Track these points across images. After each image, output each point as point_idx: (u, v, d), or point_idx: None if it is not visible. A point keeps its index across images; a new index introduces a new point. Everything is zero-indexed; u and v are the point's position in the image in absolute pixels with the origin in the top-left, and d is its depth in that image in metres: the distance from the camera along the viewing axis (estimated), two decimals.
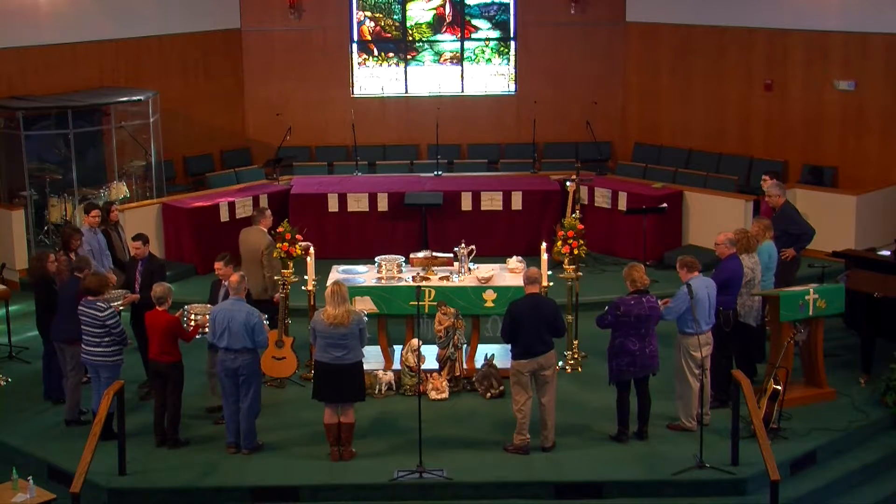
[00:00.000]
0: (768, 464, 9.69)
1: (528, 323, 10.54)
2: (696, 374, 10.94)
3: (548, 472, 10.46)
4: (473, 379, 12.21)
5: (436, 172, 17.82)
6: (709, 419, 10.92)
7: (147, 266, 12.16)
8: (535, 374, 10.65)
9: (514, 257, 12.87)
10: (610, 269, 15.85)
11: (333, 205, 16.56)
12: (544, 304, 10.80)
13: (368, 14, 20.72)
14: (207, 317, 11.04)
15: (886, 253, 13.97)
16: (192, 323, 11.08)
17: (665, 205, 16.08)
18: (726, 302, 11.34)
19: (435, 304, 12.18)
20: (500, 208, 16.53)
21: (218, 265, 11.62)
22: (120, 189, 16.89)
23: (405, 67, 20.80)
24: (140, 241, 12.24)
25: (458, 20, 20.71)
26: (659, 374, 11.04)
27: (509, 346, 10.85)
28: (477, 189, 16.63)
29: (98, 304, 10.92)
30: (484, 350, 12.58)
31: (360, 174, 18.12)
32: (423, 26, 20.77)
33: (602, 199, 16.72)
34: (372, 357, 12.28)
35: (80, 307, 10.99)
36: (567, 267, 12.74)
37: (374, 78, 20.83)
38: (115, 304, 11.44)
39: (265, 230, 12.93)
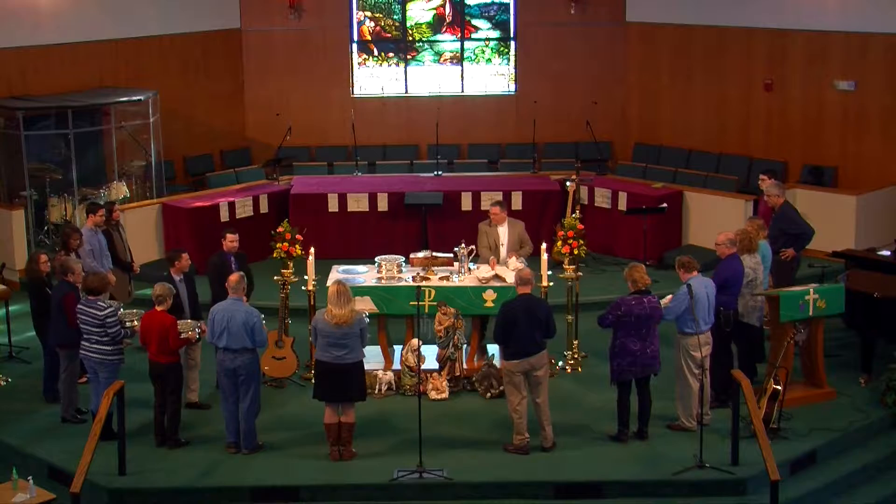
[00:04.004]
0: (768, 464, 9.69)
1: (522, 324, 10.54)
2: (695, 374, 10.94)
3: (548, 472, 10.46)
4: (473, 379, 12.21)
5: (436, 172, 17.81)
6: (709, 419, 10.92)
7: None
8: (528, 374, 10.65)
9: (515, 257, 12.86)
10: (610, 269, 15.85)
11: (333, 205, 16.56)
12: (538, 304, 10.80)
13: (368, 14, 20.71)
14: (192, 332, 11.04)
15: (886, 253, 13.96)
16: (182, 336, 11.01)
17: (665, 205, 16.08)
18: (727, 302, 11.34)
19: (435, 304, 12.18)
20: None
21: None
22: (120, 189, 16.88)
23: (405, 67, 20.80)
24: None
25: (458, 20, 20.71)
26: (659, 374, 11.04)
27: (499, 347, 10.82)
28: (477, 189, 16.63)
29: (98, 303, 10.92)
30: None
31: (360, 174, 18.12)
32: (423, 26, 20.77)
33: (602, 199, 16.72)
34: (372, 357, 12.27)
35: (79, 306, 11.01)
36: (567, 267, 12.74)
37: (374, 78, 20.83)
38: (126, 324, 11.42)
39: (490, 223, 13.05)
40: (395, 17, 20.70)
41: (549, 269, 12.41)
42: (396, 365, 12.34)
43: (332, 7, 20.39)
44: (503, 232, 13.00)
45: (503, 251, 12.85)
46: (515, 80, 20.71)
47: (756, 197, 15.52)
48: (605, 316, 10.87)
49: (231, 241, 12.42)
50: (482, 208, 16.42)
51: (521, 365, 10.59)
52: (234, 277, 10.90)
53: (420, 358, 11.80)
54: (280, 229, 12.68)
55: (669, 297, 11.13)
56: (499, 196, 16.45)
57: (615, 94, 20.39)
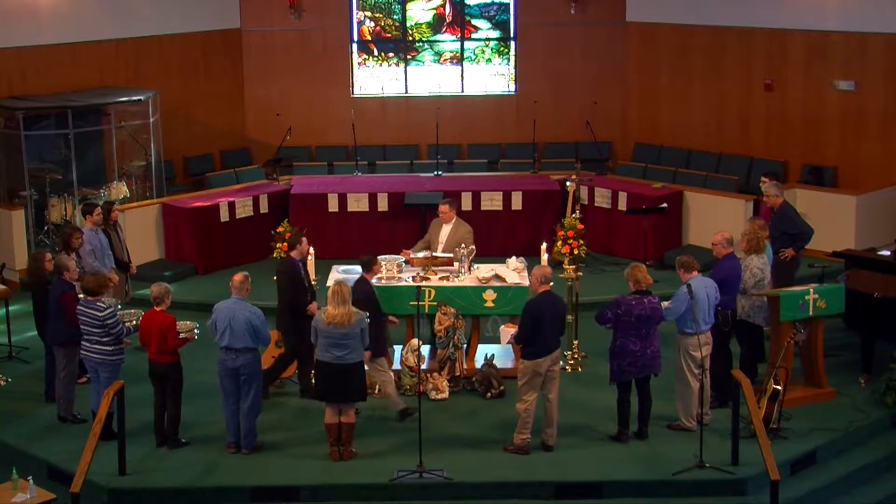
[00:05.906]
0: (768, 464, 9.69)
1: (547, 321, 10.56)
2: (695, 374, 10.94)
3: (548, 472, 10.46)
4: (473, 379, 12.21)
5: (436, 172, 17.82)
6: (709, 419, 10.92)
7: None
8: (547, 370, 10.66)
9: (514, 257, 12.86)
10: (610, 269, 15.84)
11: (333, 205, 16.57)
12: (558, 301, 10.85)
13: (368, 14, 20.71)
14: (191, 332, 11.04)
15: (886, 253, 13.96)
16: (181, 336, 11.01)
17: (665, 205, 16.08)
18: (725, 302, 11.34)
19: (435, 304, 12.18)
20: (500, 208, 16.53)
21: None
22: (120, 189, 16.88)
23: (405, 67, 20.80)
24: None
25: (458, 20, 20.71)
26: (659, 374, 11.03)
27: (520, 346, 10.77)
28: (477, 189, 16.63)
29: (98, 303, 10.91)
30: (484, 350, 12.58)
31: (360, 174, 18.12)
32: (423, 26, 20.77)
33: (602, 199, 16.71)
34: None
35: (79, 307, 11.00)
36: (567, 267, 12.74)
37: (374, 78, 20.83)
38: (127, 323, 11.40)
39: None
40: (395, 17, 20.70)
41: None
42: (396, 365, 12.34)
43: (332, 7, 20.40)
44: (445, 231, 13.01)
45: (440, 250, 12.84)
46: (515, 80, 20.71)
47: (756, 197, 15.52)
48: (603, 312, 10.86)
49: (305, 244, 12.01)
50: (482, 208, 16.46)
51: (546, 362, 10.60)
52: (237, 277, 10.89)
53: (420, 358, 11.80)
54: (280, 229, 12.67)
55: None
56: (498, 196, 16.51)
57: (615, 94, 20.39)
